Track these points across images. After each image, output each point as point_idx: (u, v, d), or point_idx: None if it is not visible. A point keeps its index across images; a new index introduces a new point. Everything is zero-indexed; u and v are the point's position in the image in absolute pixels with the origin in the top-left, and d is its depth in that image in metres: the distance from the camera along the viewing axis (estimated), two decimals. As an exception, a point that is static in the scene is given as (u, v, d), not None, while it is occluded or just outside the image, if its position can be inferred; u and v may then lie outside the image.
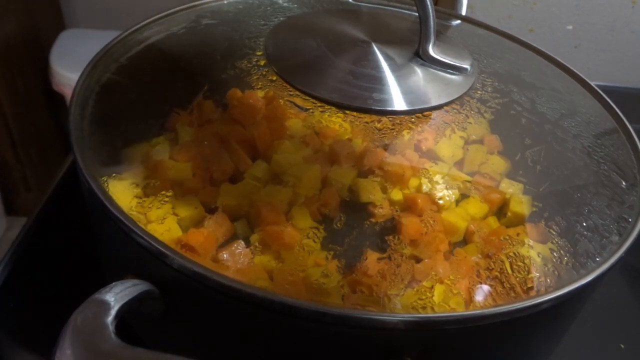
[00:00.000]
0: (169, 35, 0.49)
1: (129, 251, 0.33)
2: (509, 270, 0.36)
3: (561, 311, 0.35)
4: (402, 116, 0.40)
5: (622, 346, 0.48)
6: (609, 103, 0.46)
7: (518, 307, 0.30)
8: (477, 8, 1.02)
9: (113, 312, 0.27)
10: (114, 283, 0.29)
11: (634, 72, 1.07)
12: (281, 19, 0.48)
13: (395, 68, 0.40)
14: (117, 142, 0.40)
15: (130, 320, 0.38)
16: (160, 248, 0.30)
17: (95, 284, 0.30)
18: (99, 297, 0.28)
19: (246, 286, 0.29)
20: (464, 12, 0.65)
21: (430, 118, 0.40)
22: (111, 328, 0.26)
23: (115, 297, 0.28)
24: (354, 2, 0.50)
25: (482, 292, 0.35)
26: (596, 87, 0.48)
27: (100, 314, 0.27)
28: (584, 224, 0.38)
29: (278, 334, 0.31)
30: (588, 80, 0.49)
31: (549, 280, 0.36)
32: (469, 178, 0.42)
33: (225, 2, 0.53)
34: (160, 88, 0.46)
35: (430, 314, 0.33)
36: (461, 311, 0.33)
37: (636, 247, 0.35)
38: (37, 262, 0.50)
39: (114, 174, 0.38)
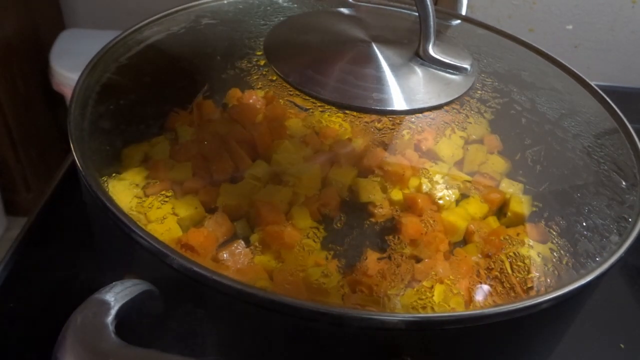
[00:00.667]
0: (169, 35, 0.49)
1: (129, 251, 0.33)
2: (509, 270, 0.36)
3: (561, 311, 0.35)
4: (402, 116, 0.40)
5: (622, 346, 0.48)
6: (609, 103, 0.46)
7: (518, 307, 0.30)
8: (477, 8, 1.02)
9: (113, 312, 0.27)
10: (114, 283, 0.29)
11: (634, 72, 1.06)
12: (281, 19, 0.48)
13: (395, 68, 0.40)
14: (117, 142, 0.40)
15: (130, 320, 0.38)
16: (160, 248, 0.30)
17: (96, 283, 0.30)
18: (99, 297, 0.28)
19: (246, 286, 0.29)
20: (464, 12, 0.65)
21: (430, 118, 0.40)
22: (111, 328, 0.26)
23: (115, 297, 0.28)
24: (354, 2, 0.50)
25: (482, 292, 0.35)
26: (596, 87, 0.48)
27: (100, 314, 0.27)
28: (584, 224, 0.38)
29: (278, 334, 0.31)
30: (588, 80, 0.49)
31: (549, 280, 0.36)
32: (469, 178, 0.42)
33: (225, 2, 0.53)
34: (160, 88, 0.46)
35: (430, 314, 0.33)
36: (461, 311, 0.33)
37: (636, 247, 0.35)
38: (37, 262, 0.50)
39: (114, 174, 0.38)
